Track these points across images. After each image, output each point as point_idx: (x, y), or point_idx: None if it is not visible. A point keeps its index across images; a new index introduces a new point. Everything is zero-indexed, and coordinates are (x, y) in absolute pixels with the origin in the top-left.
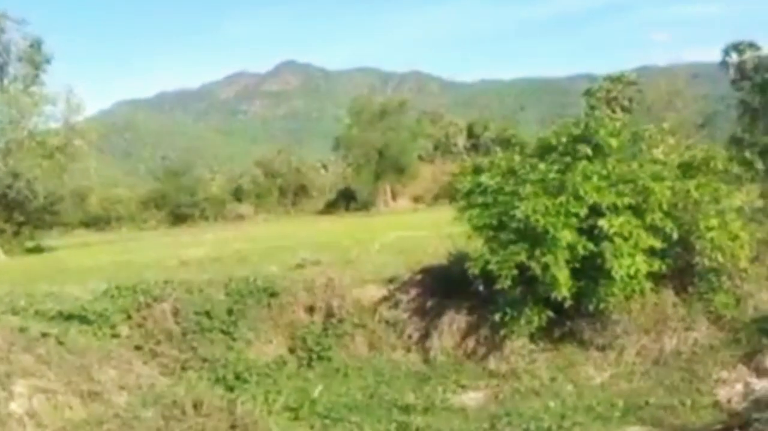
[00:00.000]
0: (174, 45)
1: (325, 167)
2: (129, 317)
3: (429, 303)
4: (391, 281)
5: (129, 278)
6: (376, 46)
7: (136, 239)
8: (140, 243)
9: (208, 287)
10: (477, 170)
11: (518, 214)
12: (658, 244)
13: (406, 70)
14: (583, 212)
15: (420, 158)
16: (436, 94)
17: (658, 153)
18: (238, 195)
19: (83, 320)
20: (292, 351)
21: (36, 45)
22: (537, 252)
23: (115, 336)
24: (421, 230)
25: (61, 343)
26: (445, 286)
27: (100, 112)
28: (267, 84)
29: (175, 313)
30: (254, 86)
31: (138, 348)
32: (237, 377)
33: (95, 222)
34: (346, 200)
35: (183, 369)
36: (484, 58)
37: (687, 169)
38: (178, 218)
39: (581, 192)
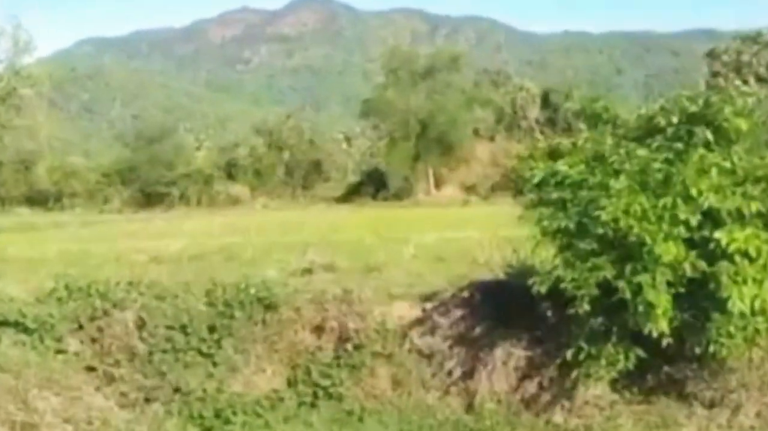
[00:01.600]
0: None
1: (348, 139)
2: (80, 327)
3: (477, 330)
4: (427, 298)
5: (82, 276)
6: None
7: (93, 223)
8: (99, 230)
9: (185, 294)
10: (553, 154)
11: (605, 216)
12: None
13: (461, 14)
14: (695, 218)
15: (476, 133)
16: (502, 48)
17: None
18: (230, 172)
19: (20, 328)
20: (291, 384)
21: None
22: (628, 269)
23: (60, 351)
24: (471, 230)
25: None
26: (500, 308)
27: (57, 53)
28: (276, 25)
29: (141, 326)
30: (259, 27)
31: (90, 369)
32: (217, 415)
33: (42, 199)
34: (373, 185)
35: (147, 400)
36: (567, 4)
37: None
38: (151, 199)
39: (694, 192)
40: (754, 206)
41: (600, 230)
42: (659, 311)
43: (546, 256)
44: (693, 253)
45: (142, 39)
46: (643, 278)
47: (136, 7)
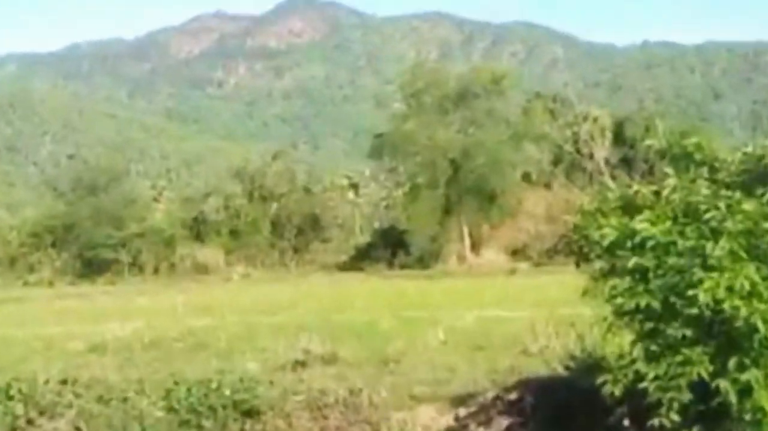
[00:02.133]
0: None
1: (354, 186)
2: None
3: None
4: (461, 401)
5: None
6: None
7: (16, 300)
8: (23, 309)
9: (137, 395)
10: (629, 207)
11: (702, 295)
12: None
13: (505, 20)
14: None
15: (526, 178)
16: (560, 65)
17: None
18: (199, 230)
19: None
20: None
21: None
22: (732, 364)
23: None
24: (520, 308)
25: None
26: (558, 415)
27: None
28: (259, 35)
29: None
30: (237, 39)
31: None
32: None
33: None
34: (390, 247)
35: None
36: (647, 5)
37: None
38: (92, 267)
39: None
40: None
41: (694, 312)
42: None
43: (620, 345)
44: None
45: (82, 55)
46: (753, 376)
47: (74, 14)
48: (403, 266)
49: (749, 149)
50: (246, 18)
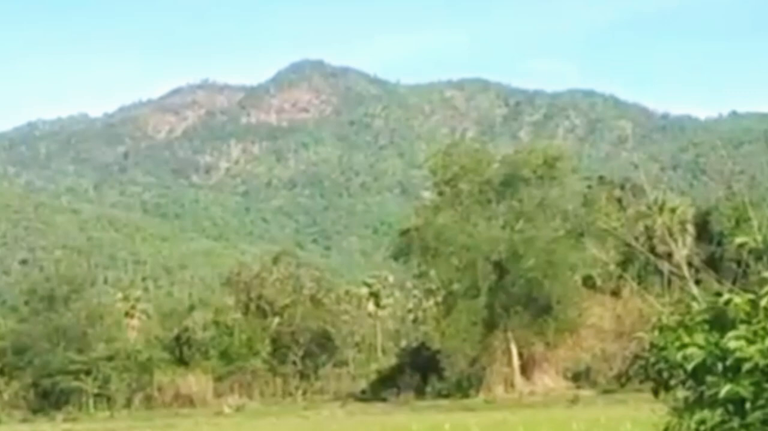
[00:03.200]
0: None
1: (375, 295)
2: None
3: None
4: None
5: None
6: (493, 38)
7: None
8: None
9: None
10: (719, 321)
11: None
12: None
13: (560, 88)
14: None
15: (589, 283)
16: (629, 142)
17: None
18: (182, 353)
19: None
20: None
21: None
22: None
23: None
24: None
25: None
26: None
27: None
28: (257, 110)
29: None
30: (230, 114)
31: None
32: None
33: None
34: (420, 371)
35: None
36: (734, 70)
37: None
38: (50, 400)
39: None
40: None
41: None
42: None
43: None
44: None
45: (38, 136)
46: None
47: (29, 86)
48: (437, 395)
49: None
50: (239, 89)
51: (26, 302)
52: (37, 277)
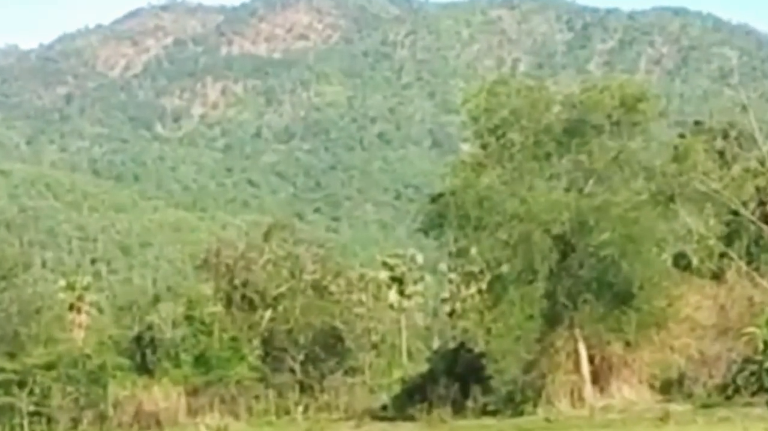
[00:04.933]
0: None
1: (398, 281)
2: None
3: None
4: None
5: None
6: None
7: None
8: None
9: None
10: None
11: None
12: None
13: (641, 5)
14: None
15: (682, 262)
16: (734, 75)
17: None
18: (144, 358)
19: None
20: None
21: None
22: None
23: None
24: None
25: None
26: None
27: None
28: (241, 37)
29: None
30: (205, 43)
31: None
32: None
33: None
34: (459, 380)
35: None
36: None
37: None
38: None
39: None
40: None
41: None
42: None
43: None
44: None
45: None
46: None
47: None
48: (481, 412)
49: None
50: (217, 11)
51: None
52: None
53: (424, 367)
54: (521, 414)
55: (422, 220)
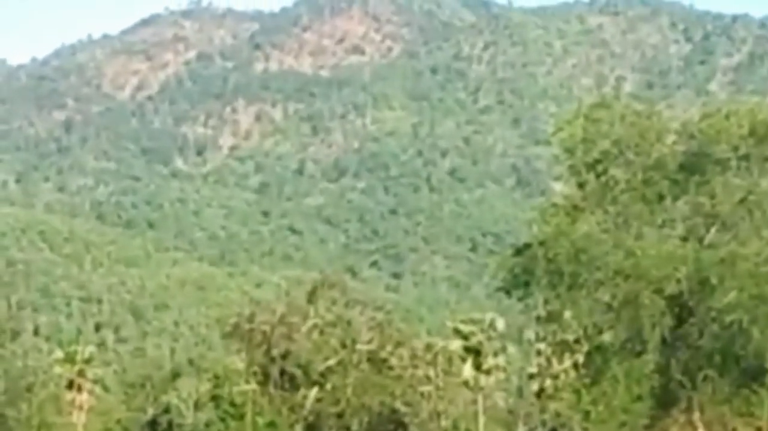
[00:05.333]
0: None
1: (474, 351)
2: None
3: None
4: None
5: None
6: None
7: None
8: None
9: None
10: None
11: None
12: None
13: None
14: None
15: None
16: None
17: None
18: None
19: None
20: None
21: None
22: None
23: None
24: None
25: None
26: None
27: None
28: (280, 50)
29: None
30: (235, 58)
31: None
32: None
33: None
34: None
35: None
36: None
37: None
38: None
39: None
40: None
41: None
42: None
43: None
44: None
45: None
46: None
47: None
48: None
49: None
50: (251, 16)
51: None
52: None
53: None
54: None
55: (504, 277)
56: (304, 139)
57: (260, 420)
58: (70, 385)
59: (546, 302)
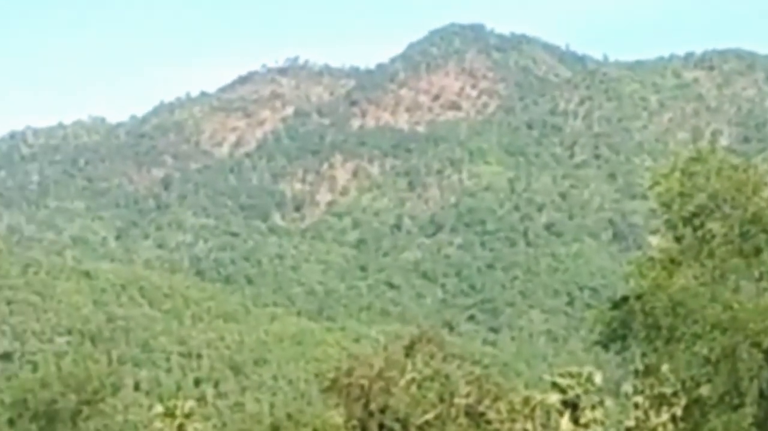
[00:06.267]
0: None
1: (572, 405)
2: None
3: None
4: None
5: None
6: None
7: None
8: None
9: None
10: None
11: None
12: None
13: None
14: None
15: None
16: None
17: None
18: None
19: None
20: None
21: None
22: None
23: None
24: None
25: None
26: None
27: None
28: (376, 106)
29: None
30: (332, 115)
31: None
32: None
33: None
34: None
35: None
36: None
37: None
38: None
39: None
40: None
41: None
42: None
43: None
44: None
45: (29, 154)
46: None
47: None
48: None
49: None
50: (348, 74)
51: (11, 422)
52: (29, 380)
53: None
54: None
55: (601, 330)
56: (401, 194)
57: None
58: None
59: (643, 355)
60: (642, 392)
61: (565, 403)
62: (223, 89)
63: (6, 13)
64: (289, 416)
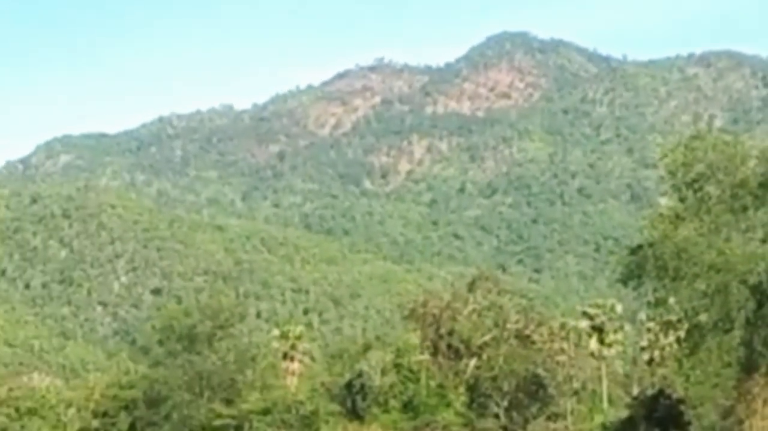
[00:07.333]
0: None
1: (598, 330)
2: None
3: None
4: None
5: None
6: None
7: None
8: None
9: None
10: None
11: None
12: None
13: None
14: None
15: None
16: None
17: None
18: (355, 403)
19: None
20: None
21: None
22: None
23: None
24: None
25: None
26: None
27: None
28: (446, 96)
29: None
30: (411, 102)
31: None
32: None
33: None
34: (657, 425)
35: None
36: None
37: None
38: None
39: None
40: None
41: None
42: None
43: None
44: None
45: (171, 134)
46: None
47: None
48: None
49: None
50: (423, 71)
51: (160, 342)
52: (174, 311)
53: (625, 413)
54: None
55: (621, 271)
56: (465, 165)
57: (432, 383)
58: (285, 356)
59: (654, 290)
60: (653, 319)
61: (593, 328)
62: (325, 83)
63: (167, 21)
64: (377, 337)
